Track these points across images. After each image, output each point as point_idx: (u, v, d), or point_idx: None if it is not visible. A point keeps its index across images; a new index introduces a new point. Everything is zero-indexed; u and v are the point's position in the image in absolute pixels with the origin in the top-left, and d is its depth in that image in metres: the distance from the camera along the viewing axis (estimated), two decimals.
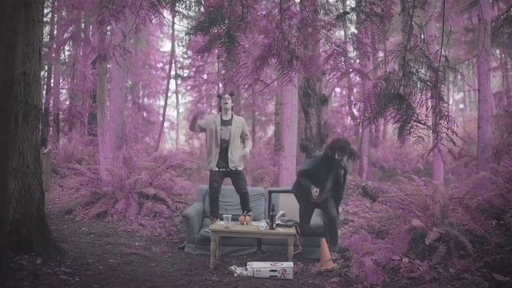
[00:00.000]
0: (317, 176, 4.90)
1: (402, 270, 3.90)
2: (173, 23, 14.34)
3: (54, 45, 11.13)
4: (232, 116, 5.30)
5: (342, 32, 10.06)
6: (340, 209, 5.26)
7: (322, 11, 4.19)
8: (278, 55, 3.94)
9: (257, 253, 5.13)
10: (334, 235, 4.88)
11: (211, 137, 5.20)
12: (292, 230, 4.51)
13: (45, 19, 9.88)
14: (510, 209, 4.28)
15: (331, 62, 4.09)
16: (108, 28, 7.72)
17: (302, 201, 5.02)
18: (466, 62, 13.35)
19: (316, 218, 5.39)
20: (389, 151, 13.40)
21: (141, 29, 4.23)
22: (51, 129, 13.44)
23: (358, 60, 5.47)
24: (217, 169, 5.16)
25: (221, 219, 4.85)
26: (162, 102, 20.22)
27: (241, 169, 5.20)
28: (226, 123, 5.23)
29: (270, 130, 18.29)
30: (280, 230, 4.52)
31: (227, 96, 5.32)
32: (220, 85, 17.17)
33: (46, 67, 13.27)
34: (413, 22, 3.61)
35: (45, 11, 10.91)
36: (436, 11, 9.03)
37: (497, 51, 13.66)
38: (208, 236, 4.77)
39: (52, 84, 13.85)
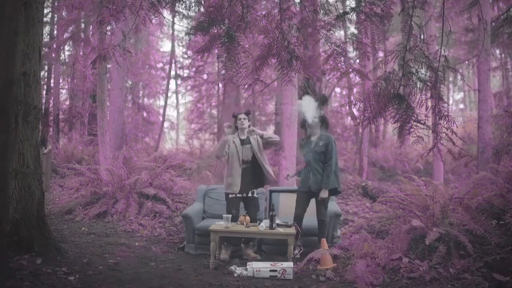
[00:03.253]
0: None
1: (402, 270, 3.90)
2: (173, 23, 14.34)
3: (54, 45, 11.13)
4: (248, 136, 5.01)
5: (342, 32, 10.05)
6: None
7: (322, 11, 4.19)
8: (278, 55, 3.94)
9: (257, 253, 5.13)
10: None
11: (232, 159, 4.89)
12: (292, 230, 4.51)
13: (45, 19, 9.88)
14: (510, 209, 4.28)
15: (331, 62, 4.09)
16: (108, 28, 7.72)
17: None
18: (466, 62, 13.36)
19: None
20: (389, 151, 13.39)
21: (141, 29, 4.22)
22: (51, 129, 13.44)
23: (358, 60, 5.48)
24: (234, 195, 4.88)
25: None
26: (162, 102, 20.24)
27: (257, 195, 4.99)
28: (245, 142, 4.96)
29: (270, 130, 18.29)
30: (280, 230, 4.52)
31: (243, 116, 4.98)
32: (220, 85, 17.18)
33: (46, 67, 13.26)
34: (413, 22, 3.62)
35: (45, 11, 10.91)
36: (436, 11, 9.02)
37: (497, 51, 13.66)
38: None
39: (52, 84, 13.85)
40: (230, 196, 4.93)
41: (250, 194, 4.98)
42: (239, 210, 4.94)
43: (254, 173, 4.97)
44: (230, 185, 4.90)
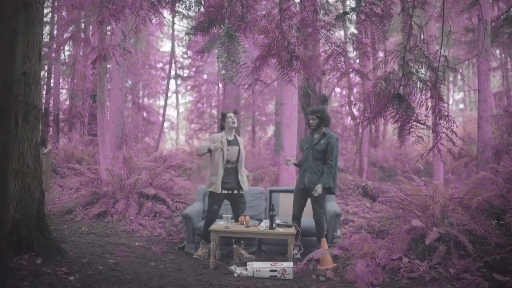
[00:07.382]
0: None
1: (402, 270, 3.90)
2: (173, 23, 14.33)
3: (54, 45, 11.13)
4: (235, 136, 5.00)
5: (342, 32, 10.05)
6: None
7: (322, 11, 4.20)
8: (278, 55, 3.94)
9: (257, 253, 5.13)
10: None
11: (217, 158, 4.83)
12: (292, 230, 4.51)
13: (45, 19, 9.89)
14: (510, 209, 4.28)
15: (331, 62, 4.09)
16: (108, 28, 7.72)
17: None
18: (466, 62, 13.36)
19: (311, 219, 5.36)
20: (389, 151, 13.40)
21: (141, 29, 4.23)
22: (51, 129, 13.44)
23: (358, 60, 5.47)
24: (220, 191, 4.83)
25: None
26: (162, 102, 20.24)
27: (242, 192, 4.96)
28: (232, 143, 4.92)
29: (270, 130, 18.31)
30: (280, 230, 4.52)
31: (232, 115, 4.94)
32: (220, 85, 17.18)
33: (46, 67, 13.26)
34: (413, 22, 3.62)
35: (45, 11, 10.90)
36: (436, 11, 9.03)
37: (497, 51, 13.66)
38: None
39: (52, 84, 13.85)
40: (216, 192, 4.86)
41: (235, 191, 4.93)
42: (220, 206, 4.92)
43: (237, 175, 4.94)
44: (213, 184, 4.84)
